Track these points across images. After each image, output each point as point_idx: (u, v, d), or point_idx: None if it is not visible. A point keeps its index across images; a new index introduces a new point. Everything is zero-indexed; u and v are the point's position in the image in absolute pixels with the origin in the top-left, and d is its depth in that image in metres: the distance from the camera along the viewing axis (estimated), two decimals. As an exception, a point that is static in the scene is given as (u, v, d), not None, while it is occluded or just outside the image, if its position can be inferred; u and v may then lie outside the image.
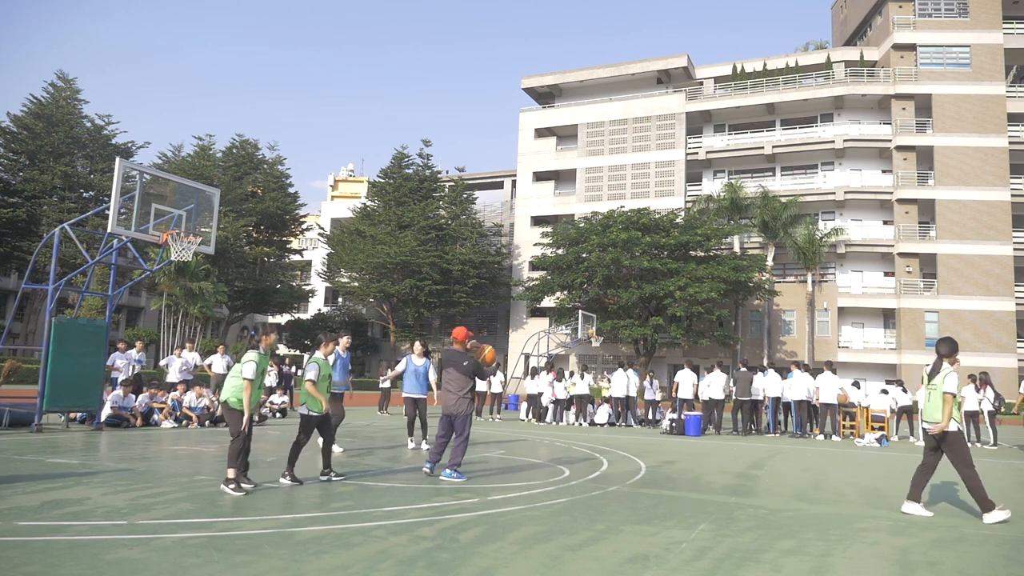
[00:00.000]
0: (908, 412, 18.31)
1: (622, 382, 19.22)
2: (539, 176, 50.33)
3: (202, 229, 13.39)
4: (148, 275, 27.77)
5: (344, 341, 10.41)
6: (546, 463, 9.89)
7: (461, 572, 4.15)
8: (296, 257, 56.68)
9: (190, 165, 45.32)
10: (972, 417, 16.44)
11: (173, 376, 15.34)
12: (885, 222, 42.85)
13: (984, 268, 38.94)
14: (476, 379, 8.25)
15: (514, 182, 54.35)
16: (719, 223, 39.80)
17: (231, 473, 6.62)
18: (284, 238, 52.41)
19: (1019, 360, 36.69)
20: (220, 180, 44.96)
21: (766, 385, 17.43)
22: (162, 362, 16.34)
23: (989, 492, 6.73)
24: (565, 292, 40.57)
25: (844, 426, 17.11)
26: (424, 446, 11.03)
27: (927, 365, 6.90)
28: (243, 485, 6.70)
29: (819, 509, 6.80)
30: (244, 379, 6.69)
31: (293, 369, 23.21)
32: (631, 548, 4.89)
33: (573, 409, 19.86)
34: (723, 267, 36.24)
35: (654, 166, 45.88)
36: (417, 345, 10.76)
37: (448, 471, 7.87)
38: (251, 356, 6.79)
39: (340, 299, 58.30)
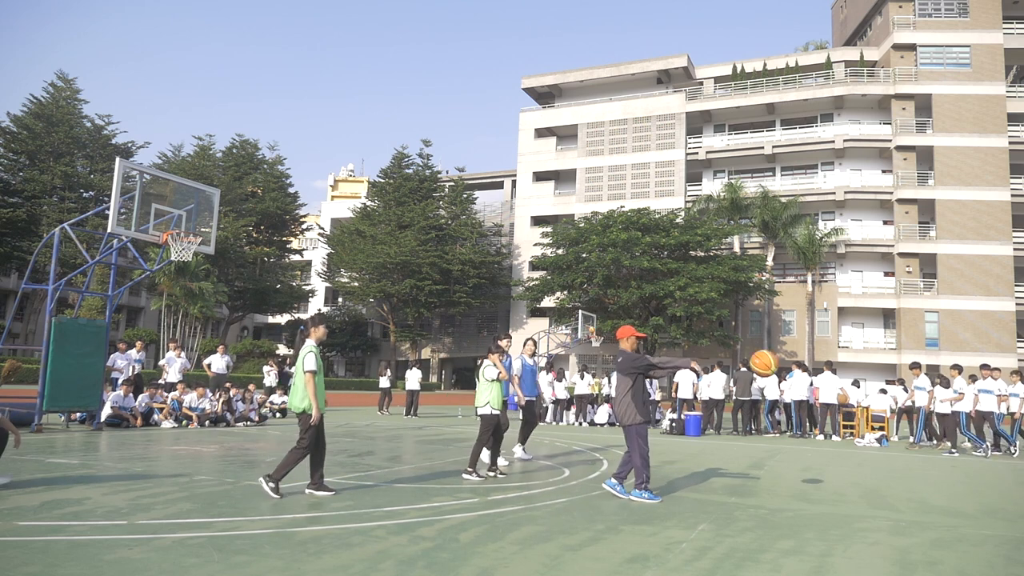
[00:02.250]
0: (908, 412, 18.26)
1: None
2: (539, 176, 50.33)
3: (202, 229, 13.40)
4: (148, 275, 27.75)
5: (529, 346, 10.48)
6: (546, 463, 9.88)
7: (461, 572, 4.15)
8: (296, 257, 56.68)
9: (190, 165, 45.33)
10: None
11: (173, 376, 15.35)
12: (885, 222, 42.86)
13: (984, 268, 38.93)
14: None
15: (514, 182, 54.35)
16: (719, 223, 39.80)
17: (277, 476, 6.35)
18: (284, 238, 52.43)
19: (1019, 360, 36.64)
20: (220, 180, 44.96)
21: (764, 386, 17.42)
22: (161, 361, 16.36)
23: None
24: (565, 292, 40.58)
25: (844, 426, 17.10)
26: (524, 454, 10.24)
27: None
28: (323, 491, 6.45)
29: (819, 509, 6.80)
30: (307, 371, 6.29)
31: None
32: (631, 548, 4.89)
33: (573, 409, 19.86)
34: (723, 267, 36.26)
35: (654, 166, 45.88)
36: (529, 343, 10.51)
37: (635, 491, 6.95)
38: (309, 346, 6.38)
39: (340, 299, 58.31)
